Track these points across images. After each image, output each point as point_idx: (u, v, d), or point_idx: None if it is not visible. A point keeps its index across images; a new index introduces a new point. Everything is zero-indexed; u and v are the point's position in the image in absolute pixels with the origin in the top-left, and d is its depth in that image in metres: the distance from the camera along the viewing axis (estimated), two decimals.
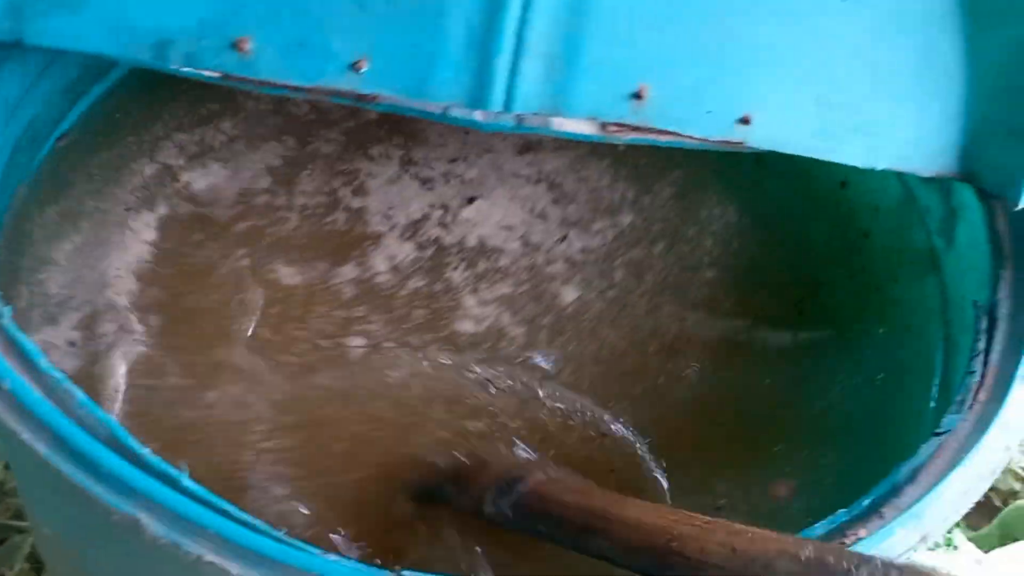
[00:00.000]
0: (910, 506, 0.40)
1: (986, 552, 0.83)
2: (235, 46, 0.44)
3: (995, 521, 0.86)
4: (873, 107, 0.47)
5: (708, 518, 0.37)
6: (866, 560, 0.32)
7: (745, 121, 0.46)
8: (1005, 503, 0.88)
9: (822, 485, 0.53)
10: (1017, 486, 0.90)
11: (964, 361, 0.47)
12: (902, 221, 0.60)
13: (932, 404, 0.53)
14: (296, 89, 0.45)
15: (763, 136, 0.46)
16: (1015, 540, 0.83)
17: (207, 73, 0.45)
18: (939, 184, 0.56)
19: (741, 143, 0.46)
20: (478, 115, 0.46)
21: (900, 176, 0.59)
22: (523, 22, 0.43)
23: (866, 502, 0.41)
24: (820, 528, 0.40)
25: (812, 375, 0.58)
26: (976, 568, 0.80)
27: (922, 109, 0.47)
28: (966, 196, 0.53)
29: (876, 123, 0.47)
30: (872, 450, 0.53)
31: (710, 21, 0.45)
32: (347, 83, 0.44)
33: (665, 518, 0.37)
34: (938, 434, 0.43)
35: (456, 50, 0.44)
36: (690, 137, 0.46)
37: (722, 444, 0.55)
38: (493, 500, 0.44)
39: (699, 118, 0.46)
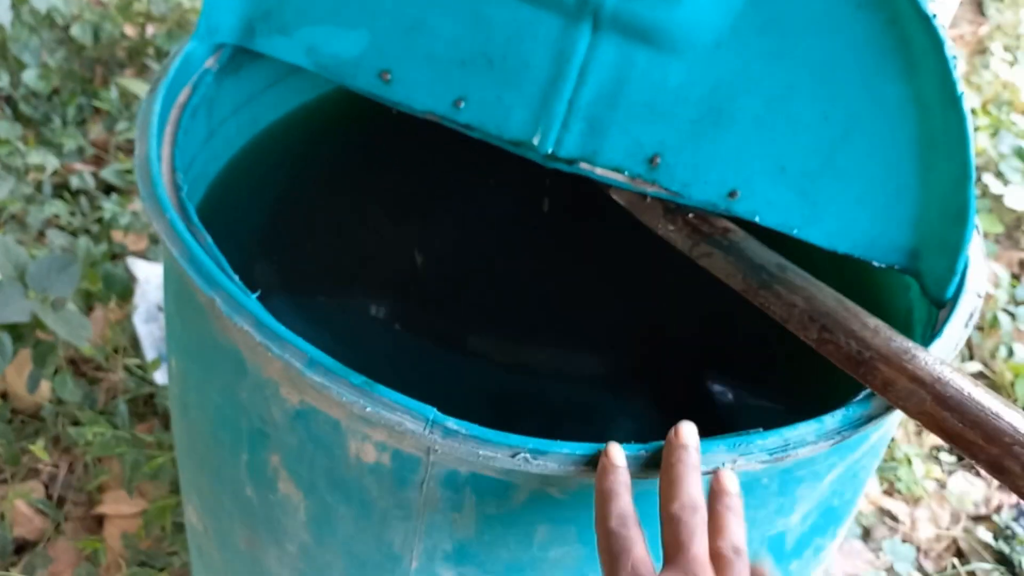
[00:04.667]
0: None
1: None
2: (379, 76, 0.63)
3: None
4: (840, 203, 0.59)
5: None
6: None
7: (732, 195, 0.60)
8: None
9: None
10: None
11: None
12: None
13: None
14: (416, 111, 0.64)
15: (745, 209, 0.60)
16: None
17: (364, 91, 0.64)
18: None
19: (727, 211, 0.60)
20: (538, 155, 0.63)
21: None
22: (575, 93, 0.60)
23: None
24: None
25: None
26: None
27: (883, 212, 0.59)
28: None
29: (841, 216, 0.59)
30: None
31: (709, 120, 0.59)
32: (450, 114, 0.62)
33: None
34: None
35: (527, 102, 0.61)
36: (690, 199, 0.61)
37: None
38: None
39: (698, 185, 0.60)
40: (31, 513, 1.24)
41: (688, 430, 0.46)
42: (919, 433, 1.40)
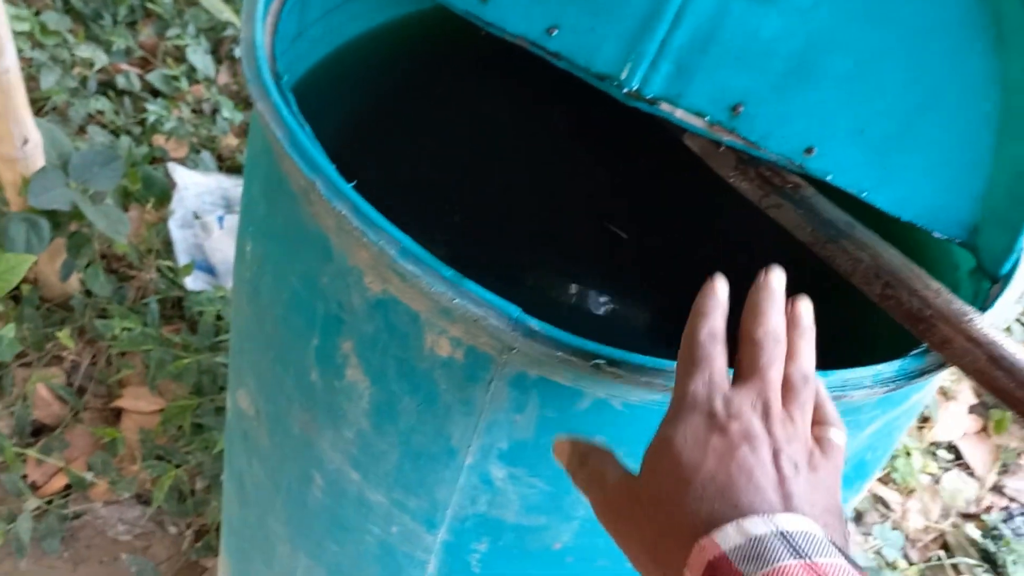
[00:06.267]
0: None
1: None
2: None
3: None
4: (912, 171, 0.61)
5: None
6: None
7: (808, 151, 0.62)
8: None
9: None
10: None
11: None
12: None
13: None
14: (508, 34, 0.65)
15: (819, 167, 0.62)
16: None
17: (458, 8, 0.66)
18: None
19: (801, 167, 0.62)
20: (624, 92, 0.65)
21: None
22: (668, 34, 0.61)
23: None
24: None
25: None
26: None
27: (952, 183, 0.61)
28: None
29: (911, 183, 0.61)
30: None
31: (797, 74, 0.60)
32: (541, 41, 0.64)
33: None
34: None
35: (620, 37, 0.62)
36: (767, 151, 0.62)
37: None
38: None
39: (776, 138, 0.62)
40: (51, 398, 1.26)
41: (778, 275, 0.47)
42: (920, 428, 1.43)
